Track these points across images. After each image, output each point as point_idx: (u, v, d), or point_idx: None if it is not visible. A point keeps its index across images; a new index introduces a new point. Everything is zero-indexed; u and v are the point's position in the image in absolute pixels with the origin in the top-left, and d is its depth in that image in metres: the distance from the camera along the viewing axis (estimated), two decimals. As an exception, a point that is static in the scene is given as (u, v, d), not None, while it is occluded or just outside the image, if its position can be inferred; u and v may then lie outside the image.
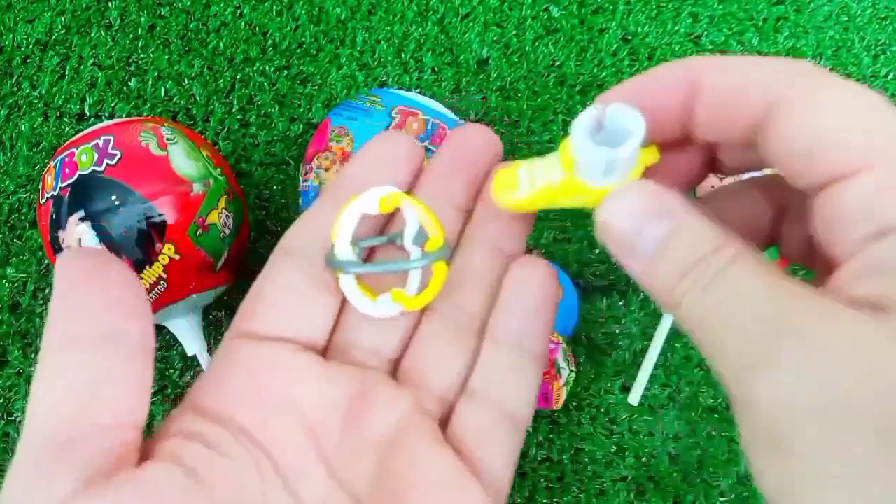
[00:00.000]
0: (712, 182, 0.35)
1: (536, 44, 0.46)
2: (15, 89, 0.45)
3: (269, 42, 0.46)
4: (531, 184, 0.19)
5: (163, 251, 0.33)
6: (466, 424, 0.20)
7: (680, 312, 0.16)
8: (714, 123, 0.17)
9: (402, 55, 0.46)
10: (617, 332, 0.41)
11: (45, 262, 0.42)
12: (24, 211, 0.43)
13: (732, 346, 0.15)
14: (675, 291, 0.16)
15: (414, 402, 0.20)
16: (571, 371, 0.36)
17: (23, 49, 0.46)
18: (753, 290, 0.15)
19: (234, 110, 0.44)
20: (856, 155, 0.15)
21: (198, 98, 0.45)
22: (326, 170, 0.34)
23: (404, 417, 0.20)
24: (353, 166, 0.22)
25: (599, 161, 0.17)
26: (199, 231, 0.34)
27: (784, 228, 0.20)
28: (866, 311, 0.14)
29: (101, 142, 0.34)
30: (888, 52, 0.46)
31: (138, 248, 0.33)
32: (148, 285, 0.34)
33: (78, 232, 0.33)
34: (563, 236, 0.42)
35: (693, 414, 0.38)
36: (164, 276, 0.34)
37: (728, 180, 0.34)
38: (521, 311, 0.21)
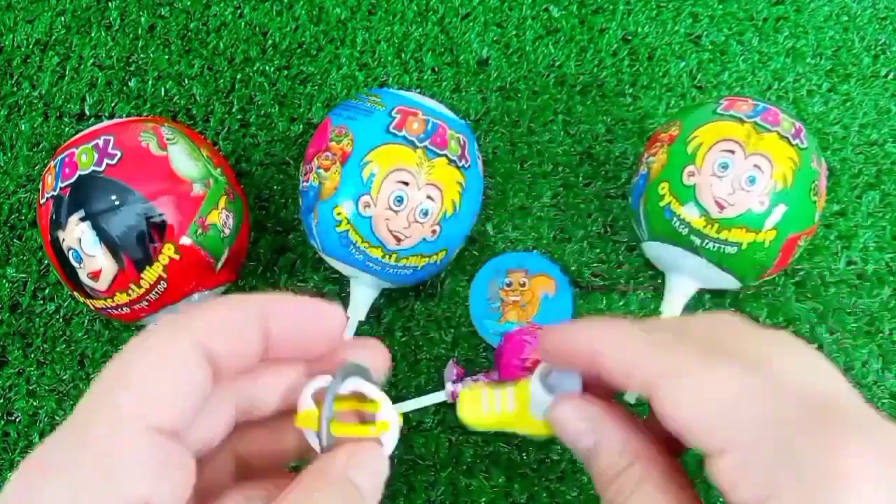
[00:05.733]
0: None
1: (536, 44, 0.46)
2: (15, 89, 0.45)
3: (269, 42, 0.46)
4: (491, 409, 0.26)
5: (163, 251, 0.33)
6: None
7: None
8: (615, 384, 0.22)
9: (402, 55, 0.46)
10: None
11: (45, 261, 0.42)
12: (24, 211, 0.43)
13: None
14: (607, 494, 0.22)
15: None
16: None
17: (23, 49, 0.46)
18: None
19: (234, 110, 0.44)
20: (713, 440, 0.19)
21: (198, 98, 0.45)
22: (326, 170, 0.34)
23: None
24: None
25: (544, 404, 0.24)
26: (199, 231, 0.34)
27: None
28: None
29: (101, 142, 0.34)
30: (888, 52, 0.46)
31: (138, 248, 0.33)
32: (148, 285, 0.34)
33: (78, 232, 0.33)
34: (564, 236, 0.42)
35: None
36: (164, 276, 0.34)
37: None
38: None
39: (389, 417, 0.23)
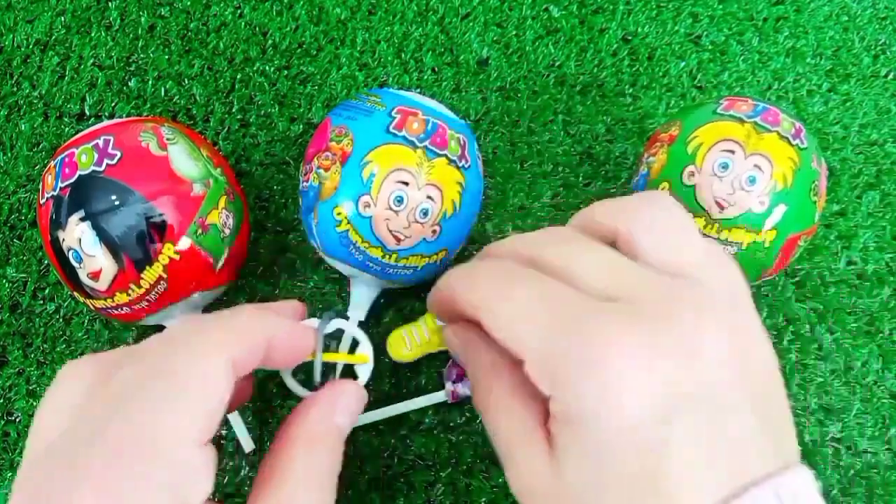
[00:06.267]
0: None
1: (536, 44, 0.46)
2: (15, 89, 0.45)
3: (269, 42, 0.46)
4: (413, 342, 0.37)
5: (163, 251, 0.33)
6: None
7: None
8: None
9: (402, 55, 0.46)
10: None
11: (45, 262, 0.42)
12: (24, 211, 0.43)
13: None
14: (477, 396, 0.26)
15: None
16: None
17: (23, 49, 0.46)
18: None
19: (234, 110, 0.44)
20: (515, 351, 0.23)
21: (198, 98, 0.45)
22: (326, 170, 0.34)
23: None
24: None
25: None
26: (199, 231, 0.34)
27: None
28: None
29: (101, 142, 0.34)
30: (888, 52, 0.46)
31: (138, 247, 0.33)
32: (148, 285, 0.34)
33: (78, 232, 0.33)
34: (563, 236, 0.42)
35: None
36: (164, 276, 0.34)
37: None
38: None
39: (366, 351, 0.32)
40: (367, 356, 0.31)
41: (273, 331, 0.24)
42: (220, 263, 0.36)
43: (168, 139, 0.35)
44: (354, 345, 0.33)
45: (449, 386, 0.37)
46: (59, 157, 0.34)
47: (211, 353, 0.22)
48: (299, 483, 0.23)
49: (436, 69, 0.45)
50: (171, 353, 0.22)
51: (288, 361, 0.27)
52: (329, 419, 0.26)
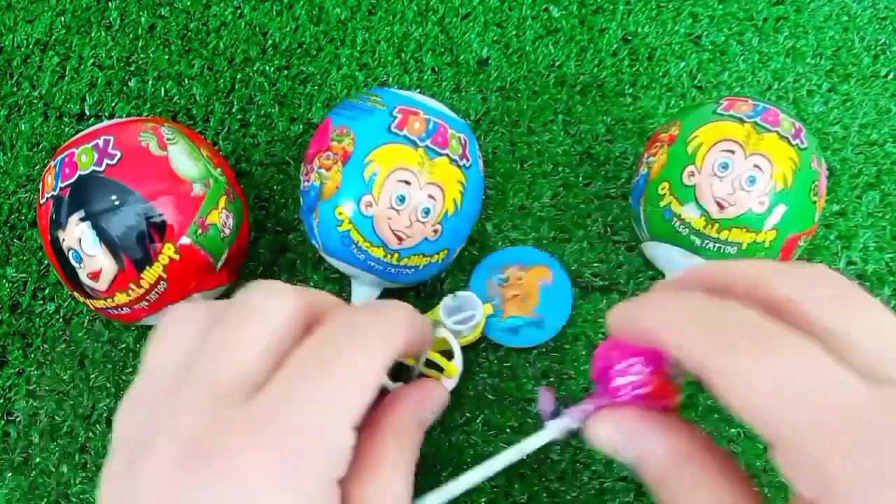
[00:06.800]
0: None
1: (536, 44, 0.46)
2: (15, 89, 0.45)
3: (269, 42, 0.46)
4: None
5: (163, 251, 0.33)
6: None
7: None
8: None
9: (402, 55, 0.46)
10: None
11: (45, 262, 0.42)
12: (24, 211, 0.43)
13: None
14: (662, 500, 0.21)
15: None
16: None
17: (23, 49, 0.46)
18: None
19: (234, 110, 0.44)
20: (767, 429, 0.18)
21: (198, 98, 0.45)
22: (327, 169, 0.34)
23: None
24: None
25: (459, 325, 0.37)
26: (199, 231, 0.34)
27: None
28: None
29: (101, 142, 0.34)
30: (888, 52, 0.46)
31: (138, 247, 0.33)
32: (148, 285, 0.34)
33: (78, 232, 0.33)
34: (564, 236, 0.42)
35: (693, 414, 0.38)
36: (164, 276, 0.34)
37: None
38: None
39: (458, 364, 0.36)
40: (457, 369, 0.35)
41: (419, 329, 0.25)
42: (220, 263, 0.36)
43: (168, 139, 0.35)
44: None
45: (559, 424, 0.26)
46: (59, 157, 0.34)
47: (375, 350, 0.22)
48: (391, 470, 0.23)
49: (436, 69, 0.45)
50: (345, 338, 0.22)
51: (409, 353, 0.26)
52: (418, 415, 0.27)
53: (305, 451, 0.19)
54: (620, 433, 0.22)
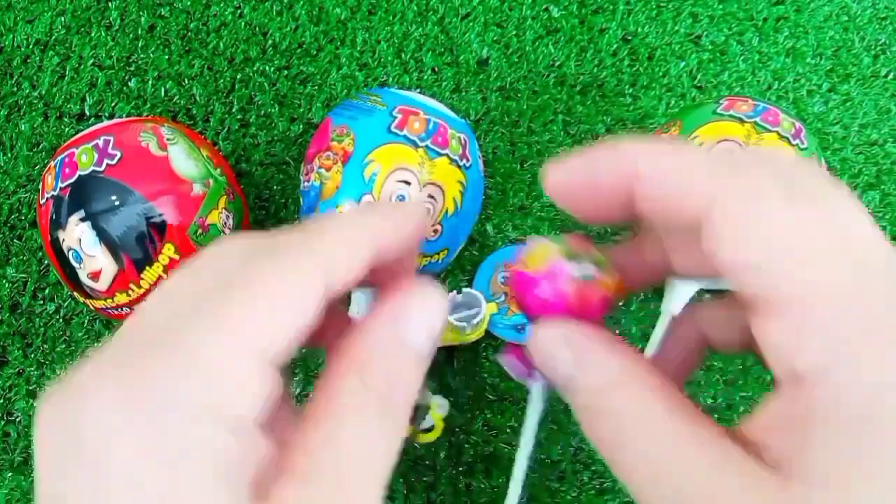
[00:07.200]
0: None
1: (536, 44, 0.46)
2: (15, 89, 0.45)
3: (269, 42, 0.46)
4: None
5: (163, 251, 0.33)
6: None
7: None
8: (655, 217, 0.18)
9: (402, 55, 0.46)
10: (616, 332, 0.41)
11: (45, 262, 0.42)
12: (24, 211, 0.43)
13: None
14: (598, 433, 0.17)
15: None
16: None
17: (23, 49, 0.46)
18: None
19: (234, 110, 0.44)
20: (781, 287, 0.15)
21: (198, 98, 0.45)
22: (327, 169, 0.34)
23: None
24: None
25: (461, 322, 0.37)
26: (199, 231, 0.34)
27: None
28: (769, 474, 0.14)
29: (101, 142, 0.34)
30: (888, 52, 0.46)
31: (138, 248, 0.33)
32: (148, 285, 0.34)
33: (78, 232, 0.33)
34: (564, 236, 0.42)
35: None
36: (165, 276, 0.34)
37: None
38: None
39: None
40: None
41: (380, 238, 0.18)
42: (221, 263, 0.36)
43: (168, 139, 0.35)
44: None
45: (536, 382, 0.24)
46: (59, 157, 0.34)
47: (306, 268, 0.16)
48: (344, 419, 0.16)
49: (436, 69, 0.45)
50: (266, 258, 0.17)
51: (392, 253, 0.19)
52: (393, 334, 0.18)
53: (183, 396, 0.14)
54: (568, 347, 0.18)
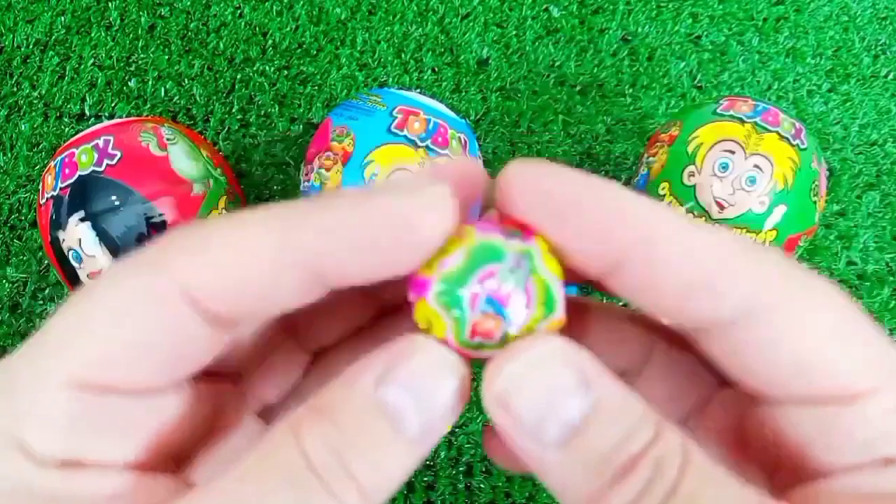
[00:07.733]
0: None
1: (536, 44, 0.46)
2: (15, 89, 0.45)
3: (269, 42, 0.46)
4: None
5: (163, 251, 0.33)
6: None
7: None
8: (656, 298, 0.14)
9: (402, 55, 0.46)
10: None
11: (45, 262, 0.42)
12: (24, 211, 0.43)
13: None
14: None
15: None
16: None
17: (23, 49, 0.46)
18: None
19: (234, 110, 0.44)
20: (858, 378, 0.13)
21: (198, 98, 0.45)
22: (328, 170, 0.34)
23: None
24: None
25: None
26: (200, 231, 0.34)
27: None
28: None
29: (101, 142, 0.34)
30: (888, 52, 0.46)
31: (138, 248, 0.33)
32: (148, 285, 0.34)
33: (78, 232, 0.33)
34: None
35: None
36: (165, 276, 0.34)
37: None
38: None
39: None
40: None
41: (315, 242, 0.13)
42: (221, 263, 0.36)
43: (168, 139, 0.35)
44: None
45: None
46: (59, 158, 0.34)
47: (145, 282, 0.14)
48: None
49: (436, 69, 0.45)
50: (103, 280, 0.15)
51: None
52: (367, 391, 0.13)
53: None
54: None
